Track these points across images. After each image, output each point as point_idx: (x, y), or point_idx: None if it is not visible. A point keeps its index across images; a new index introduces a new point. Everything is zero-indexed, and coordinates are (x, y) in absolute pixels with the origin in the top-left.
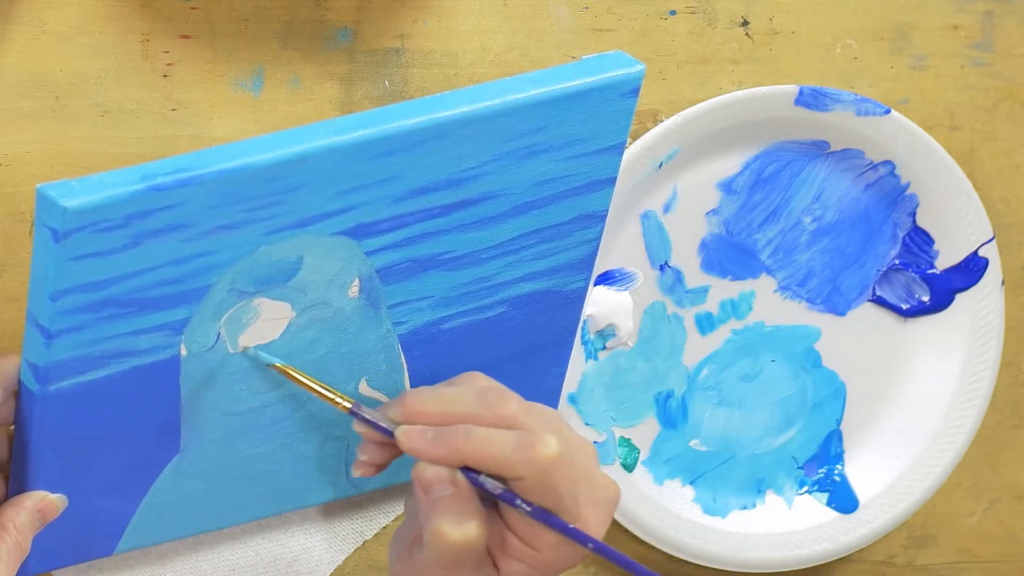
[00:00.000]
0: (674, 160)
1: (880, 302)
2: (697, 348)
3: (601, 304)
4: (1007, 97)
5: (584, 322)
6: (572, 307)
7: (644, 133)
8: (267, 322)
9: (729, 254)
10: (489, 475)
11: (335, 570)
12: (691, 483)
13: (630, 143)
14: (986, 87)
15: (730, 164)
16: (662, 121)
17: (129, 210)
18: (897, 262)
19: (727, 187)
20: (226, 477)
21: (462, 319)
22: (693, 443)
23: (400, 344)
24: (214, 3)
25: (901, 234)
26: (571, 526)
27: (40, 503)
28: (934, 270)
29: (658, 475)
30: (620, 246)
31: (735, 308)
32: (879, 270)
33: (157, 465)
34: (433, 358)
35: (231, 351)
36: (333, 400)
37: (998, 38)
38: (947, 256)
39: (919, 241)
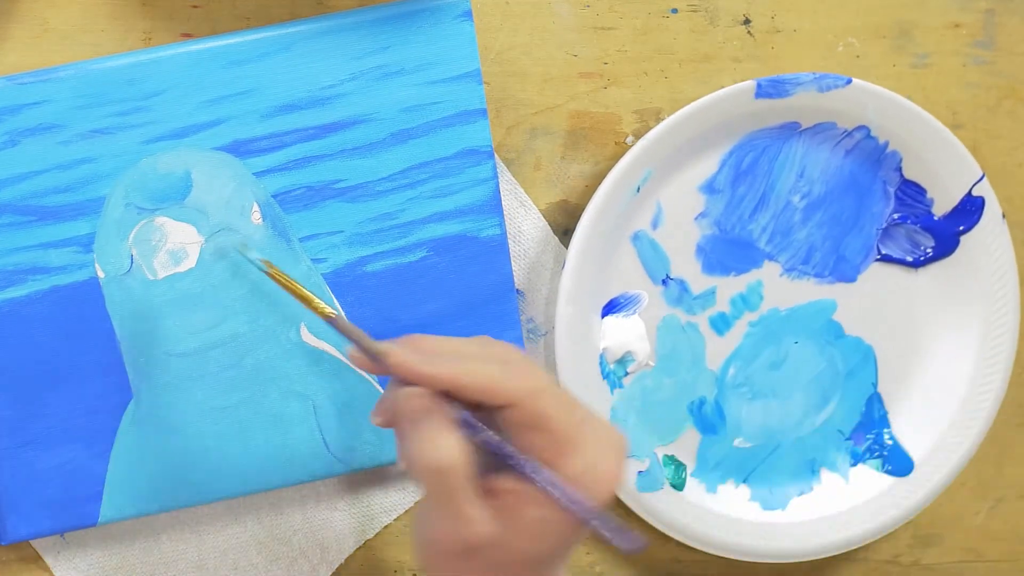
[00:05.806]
0: (650, 180)
1: (887, 259)
2: (718, 349)
3: (613, 334)
4: (1009, 95)
5: (601, 355)
6: (497, 257)
7: (621, 155)
8: (177, 246)
9: (727, 251)
10: (475, 413)
11: (337, 568)
12: (744, 481)
13: (608, 168)
14: (988, 85)
15: (707, 165)
16: (631, 146)
17: None
18: (895, 217)
19: (709, 188)
20: (195, 433)
21: (384, 261)
22: (737, 442)
23: (329, 287)
24: (216, 1)
25: (892, 190)
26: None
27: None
28: (933, 217)
29: (710, 483)
30: (618, 272)
31: (746, 301)
32: (878, 229)
33: (113, 411)
34: (368, 305)
35: (150, 278)
36: (313, 304)
37: (1000, 36)
38: (943, 202)
39: (911, 193)
